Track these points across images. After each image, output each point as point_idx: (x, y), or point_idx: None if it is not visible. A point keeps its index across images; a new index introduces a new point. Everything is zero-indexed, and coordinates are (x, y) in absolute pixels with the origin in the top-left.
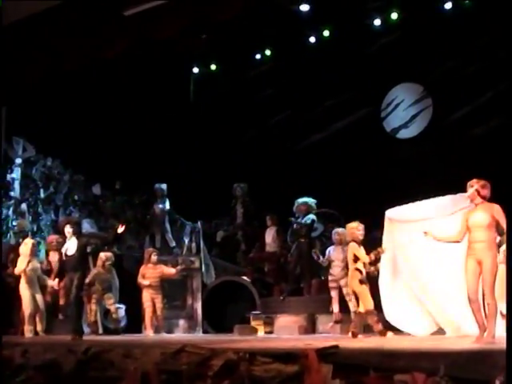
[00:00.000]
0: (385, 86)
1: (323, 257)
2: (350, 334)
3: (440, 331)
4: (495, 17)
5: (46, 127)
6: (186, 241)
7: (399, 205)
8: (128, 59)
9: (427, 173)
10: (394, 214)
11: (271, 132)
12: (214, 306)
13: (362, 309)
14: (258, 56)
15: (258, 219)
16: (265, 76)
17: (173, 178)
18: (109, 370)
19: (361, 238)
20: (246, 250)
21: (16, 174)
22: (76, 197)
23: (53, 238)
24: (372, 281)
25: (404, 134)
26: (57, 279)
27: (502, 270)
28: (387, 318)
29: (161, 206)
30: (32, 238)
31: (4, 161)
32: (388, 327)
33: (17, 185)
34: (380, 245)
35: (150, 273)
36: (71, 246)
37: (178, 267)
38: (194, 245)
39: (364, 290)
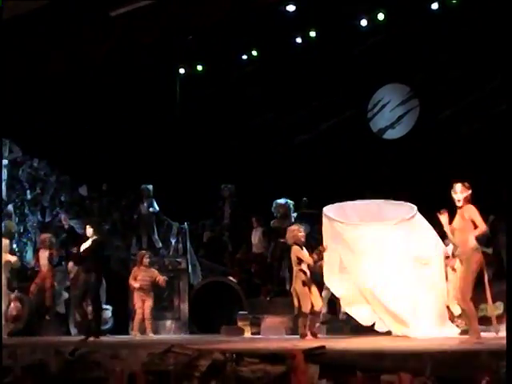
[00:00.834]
0: (371, 86)
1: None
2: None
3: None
4: (482, 17)
5: (32, 128)
6: (173, 242)
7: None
8: (114, 60)
9: (413, 173)
10: (332, 213)
11: (257, 133)
12: (200, 306)
13: (304, 309)
14: (244, 57)
15: (245, 220)
16: (251, 77)
17: (159, 179)
18: (96, 371)
19: (302, 239)
20: (233, 250)
21: (2, 175)
22: (63, 198)
23: (45, 236)
24: None
25: (390, 135)
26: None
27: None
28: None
29: (147, 206)
30: (19, 239)
31: None
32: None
33: (3, 186)
34: None
35: (142, 275)
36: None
37: (165, 277)
38: (180, 246)
39: (305, 292)
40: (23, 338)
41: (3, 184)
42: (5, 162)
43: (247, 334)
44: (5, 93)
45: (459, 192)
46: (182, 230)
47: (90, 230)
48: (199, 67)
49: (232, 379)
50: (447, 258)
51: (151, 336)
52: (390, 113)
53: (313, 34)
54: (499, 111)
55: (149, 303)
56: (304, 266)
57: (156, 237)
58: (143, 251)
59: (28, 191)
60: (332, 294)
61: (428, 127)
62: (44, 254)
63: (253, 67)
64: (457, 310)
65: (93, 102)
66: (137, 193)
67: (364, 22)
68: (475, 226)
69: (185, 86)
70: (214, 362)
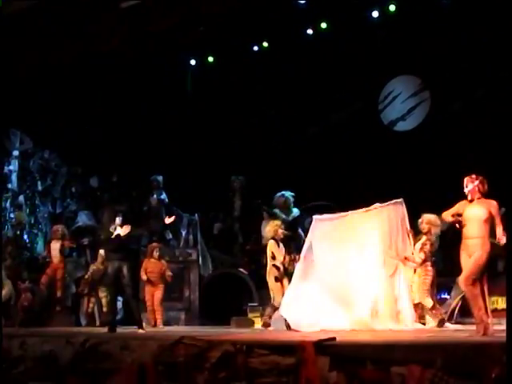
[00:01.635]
0: (382, 78)
1: None
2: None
3: None
4: (495, 8)
5: (43, 120)
6: (183, 233)
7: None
8: (125, 51)
9: (424, 165)
10: (319, 216)
11: (268, 124)
12: (211, 298)
13: (275, 302)
14: (255, 48)
15: (255, 211)
16: (262, 68)
17: (170, 171)
18: (106, 362)
19: (282, 236)
20: (243, 242)
21: (13, 166)
22: (73, 189)
23: (58, 227)
24: None
25: (401, 127)
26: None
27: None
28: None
29: (157, 197)
30: (30, 230)
31: (1, 153)
32: None
33: (14, 177)
34: None
35: (152, 268)
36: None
37: (170, 273)
38: (191, 237)
39: (277, 287)
40: (34, 328)
41: (14, 175)
42: (16, 153)
43: (257, 326)
44: (16, 84)
45: (466, 185)
46: (192, 222)
47: (118, 220)
48: (210, 58)
49: (242, 370)
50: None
51: (161, 327)
52: (401, 105)
53: (324, 25)
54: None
55: (158, 295)
56: (277, 262)
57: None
58: (154, 244)
59: (39, 182)
60: None
61: (439, 119)
62: (55, 246)
63: (263, 58)
64: (428, 303)
65: (104, 94)
66: (147, 184)
67: (375, 14)
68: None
69: (196, 77)
70: (224, 354)
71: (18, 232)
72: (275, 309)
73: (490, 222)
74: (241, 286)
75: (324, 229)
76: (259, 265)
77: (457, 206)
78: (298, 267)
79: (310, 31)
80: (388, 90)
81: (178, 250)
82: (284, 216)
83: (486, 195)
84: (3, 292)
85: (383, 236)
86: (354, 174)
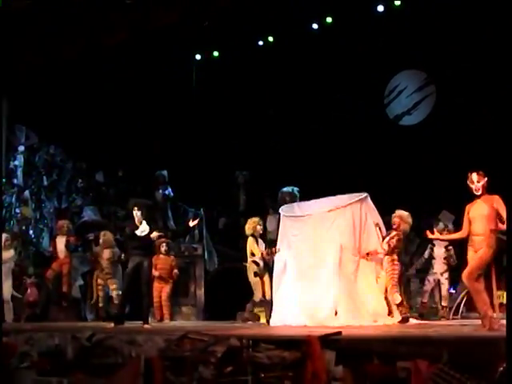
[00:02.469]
0: (388, 72)
1: None
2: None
3: None
4: (501, 2)
5: (48, 115)
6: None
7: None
8: (130, 46)
9: (430, 160)
10: (286, 211)
11: (273, 119)
12: (216, 292)
13: (255, 297)
14: (260, 43)
15: (260, 206)
16: (267, 63)
17: (175, 166)
18: (112, 357)
19: (260, 232)
20: None
21: (19, 161)
22: (79, 184)
23: (63, 222)
24: None
25: (407, 121)
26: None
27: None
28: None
29: (162, 193)
30: (36, 226)
31: (7, 148)
32: None
33: (20, 172)
34: None
35: (162, 264)
36: (144, 230)
37: (176, 271)
38: (196, 232)
39: (257, 282)
40: (40, 323)
41: (20, 170)
42: (21, 148)
43: (263, 321)
44: (21, 79)
45: (476, 181)
46: (197, 217)
47: (138, 213)
48: (215, 53)
49: (248, 365)
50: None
51: (167, 322)
52: (407, 99)
53: (329, 19)
54: None
55: (166, 290)
56: (257, 258)
57: (171, 223)
58: (161, 239)
59: (44, 177)
60: None
61: (445, 114)
62: (61, 241)
63: (269, 53)
64: (397, 299)
65: (109, 89)
66: (152, 179)
67: (380, 8)
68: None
69: (201, 71)
70: (230, 348)
71: (24, 227)
72: (255, 304)
73: (496, 217)
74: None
75: (292, 226)
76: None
77: (466, 209)
78: (277, 260)
79: (315, 26)
80: (393, 85)
81: (183, 245)
82: None
83: (490, 190)
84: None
85: (345, 235)
86: (360, 169)
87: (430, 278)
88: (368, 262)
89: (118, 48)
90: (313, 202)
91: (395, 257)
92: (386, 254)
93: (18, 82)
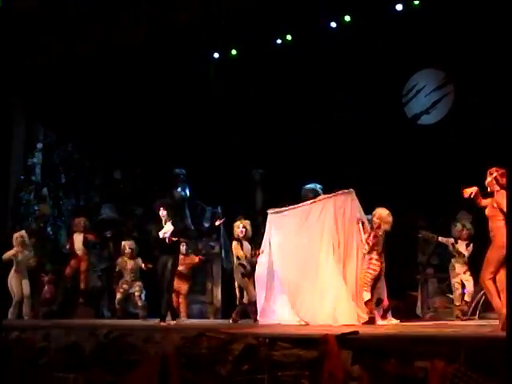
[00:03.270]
0: (406, 71)
1: None
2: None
3: None
4: None
5: (66, 112)
6: (206, 226)
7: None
8: (147, 44)
9: (448, 159)
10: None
11: (291, 117)
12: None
13: (245, 299)
14: (278, 41)
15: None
16: (285, 61)
17: (193, 163)
18: (129, 354)
19: (241, 235)
20: None
21: (37, 158)
22: (97, 181)
23: (80, 219)
24: None
25: (425, 121)
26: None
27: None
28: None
29: (180, 190)
30: (54, 223)
31: (25, 145)
32: None
33: (38, 169)
34: None
35: (182, 262)
36: (168, 230)
37: (200, 257)
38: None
39: (245, 283)
40: (58, 320)
41: (38, 168)
42: (40, 145)
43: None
44: (39, 78)
45: (486, 178)
46: (215, 215)
47: (164, 212)
48: (233, 51)
49: (265, 363)
50: None
51: (184, 320)
52: (425, 98)
53: (347, 18)
54: None
55: (185, 287)
56: (243, 260)
57: (189, 221)
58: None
59: (62, 175)
60: None
61: (463, 113)
62: (79, 238)
63: (287, 51)
64: (365, 296)
65: (127, 86)
66: (170, 177)
67: (399, 7)
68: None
69: (219, 70)
70: (246, 347)
71: (42, 224)
72: (244, 305)
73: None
74: None
75: (277, 223)
76: None
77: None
78: (260, 261)
79: (333, 24)
80: (412, 84)
81: (200, 243)
82: None
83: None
84: (24, 287)
85: (328, 226)
86: (378, 168)
87: (457, 279)
88: (350, 258)
89: (136, 46)
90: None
91: (374, 256)
92: (367, 253)
93: (36, 80)
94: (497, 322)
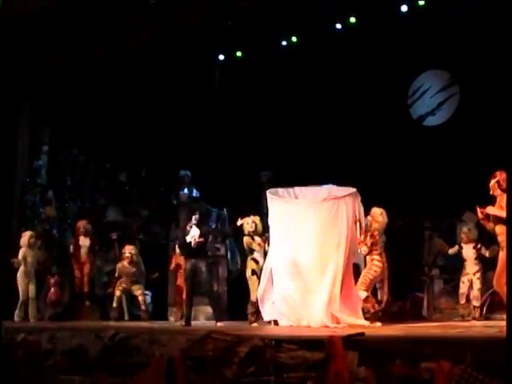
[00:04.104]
0: (412, 72)
1: None
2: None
3: None
4: None
5: (72, 115)
6: (213, 227)
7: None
8: (153, 46)
9: (454, 160)
10: (273, 193)
11: (296, 119)
12: (239, 293)
13: (252, 298)
14: (283, 43)
15: None
16: (290, 63)
17: (199, 165)
18: (135, 356)
19: (251, 229)
20: None
21: (43, 160)
22: (102, 184)
23: (81, 223)
24: None
25: (431, 122)
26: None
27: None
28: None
29: (186, 193)
30: (60, 225)
31: (31, 148)
32: None
33: (43, 172)
34: None
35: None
36: (195, 234)
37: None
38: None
39: (253, 281)
40: (63, 322)
41: (43, 170)
42: (45, 148)
43: None
44: (45, 80)
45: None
46: (221, 216)
47: (194, 219)
48: (238, 53)
49: (271, 365)
50: None
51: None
52: (431, 99)
53: (353, 19)
54: None
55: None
56: (256, 255)
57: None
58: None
59: (68, 177)
60: None
61: (469, 114)
62: (83, 240)
63: (292, 53)
64: (362, 295)
65: (133, 89)
66: (176, 179)
67: (404, 8)
68: None
69: (224, 72)
70: (252, 349)
71: (48, 227)
72: (253, 303)
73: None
74: None
75: (277, 210)
76: None
77: None
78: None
79: (338, 26)
80: (417, 85)
81: (206, 245)
82: None
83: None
84: (30, 289)
85: (340, 226)
86: (383, 169)
87: (464, 279)
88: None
89: (142, 48)
90: (297, 188)
91: (375, 256)
92: (367, 254)
93: (42, 82)
94: (503, 323)
